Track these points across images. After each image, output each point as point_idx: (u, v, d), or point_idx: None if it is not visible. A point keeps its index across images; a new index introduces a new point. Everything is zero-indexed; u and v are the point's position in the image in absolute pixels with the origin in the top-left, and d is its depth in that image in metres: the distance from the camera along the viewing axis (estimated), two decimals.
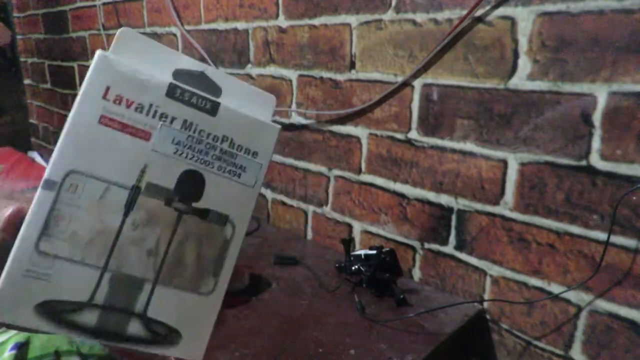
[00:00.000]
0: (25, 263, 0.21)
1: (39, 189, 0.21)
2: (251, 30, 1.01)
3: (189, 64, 0.23)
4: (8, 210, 0.23)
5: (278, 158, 1.03)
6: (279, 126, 0.26)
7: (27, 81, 2.12)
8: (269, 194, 1.08)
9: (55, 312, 0.21)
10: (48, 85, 1.93)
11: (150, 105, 0.22)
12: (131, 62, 0.21)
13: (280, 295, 0.75)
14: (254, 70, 1.03)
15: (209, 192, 0.24)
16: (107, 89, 0.21)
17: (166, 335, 0.23)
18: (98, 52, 0.21)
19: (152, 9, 1.27)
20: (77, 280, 0.21)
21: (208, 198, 0.24)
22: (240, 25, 1.03)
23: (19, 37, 2.08)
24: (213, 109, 0.23)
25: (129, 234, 0.22)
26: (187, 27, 1.17)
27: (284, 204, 1.05)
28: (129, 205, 0.22)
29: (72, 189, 0.21)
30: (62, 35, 1.72)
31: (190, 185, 0.23)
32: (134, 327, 0.23)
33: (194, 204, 0.24)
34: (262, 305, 0.72)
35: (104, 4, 1.45)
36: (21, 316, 0.20)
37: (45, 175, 0.21)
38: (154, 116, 0.22)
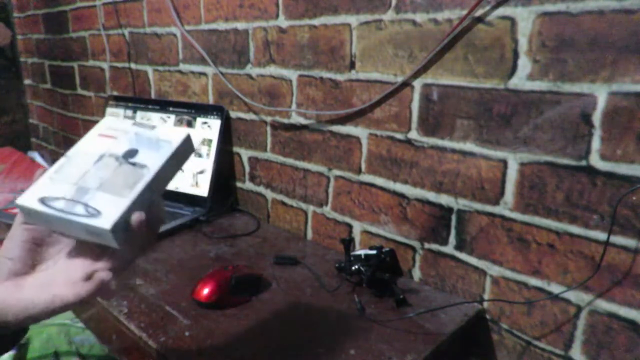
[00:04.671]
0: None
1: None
2: (251, 31, 1.01)
3: None
4: None
5: (278, 158, 1.03)
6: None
7: (27, 81, 2.12)
8: (269, 194, 1.08)
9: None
10: (48, 85, 1.93)
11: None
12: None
13: (280, 295, 0.75)
14: (254, 71, 1.03)
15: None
16: None
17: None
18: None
19: (152, 9, 1.27)
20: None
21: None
22: (241, 25, 1.03)
23: (19, 37, 2.08)
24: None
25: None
26: (187, 27, 1.17)
27: (284, 204, 1.05)
28: None
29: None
30: (62, 35, 1.72)
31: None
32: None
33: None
34: (262, 305, 0.72)
35: (104, 4, 1.45)
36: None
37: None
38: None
